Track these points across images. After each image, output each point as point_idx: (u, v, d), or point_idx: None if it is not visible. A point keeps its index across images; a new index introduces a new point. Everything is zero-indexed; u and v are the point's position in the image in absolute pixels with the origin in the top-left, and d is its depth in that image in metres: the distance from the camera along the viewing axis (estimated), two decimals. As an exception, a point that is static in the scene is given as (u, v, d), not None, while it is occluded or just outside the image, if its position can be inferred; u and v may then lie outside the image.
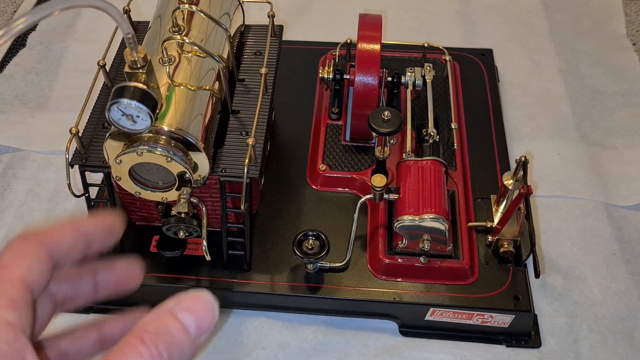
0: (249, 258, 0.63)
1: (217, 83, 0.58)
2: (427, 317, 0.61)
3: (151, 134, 0.51)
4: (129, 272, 0.35)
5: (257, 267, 0.63)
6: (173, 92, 0.53)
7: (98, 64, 0.60)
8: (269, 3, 0.66)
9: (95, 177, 0.65)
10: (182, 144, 0.51)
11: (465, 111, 0.76)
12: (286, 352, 0.61)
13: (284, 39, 0.68)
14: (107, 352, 0.27)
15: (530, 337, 0.62)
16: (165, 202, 0.56)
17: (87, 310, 0.63)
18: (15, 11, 0.98)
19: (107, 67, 0.62)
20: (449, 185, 0.65)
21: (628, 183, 0.75)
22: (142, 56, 0.46)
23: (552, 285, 0.66)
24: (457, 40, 0.92)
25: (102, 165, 0.56)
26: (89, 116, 0.60)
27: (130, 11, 0.64)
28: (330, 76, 0.72)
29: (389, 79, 0.71)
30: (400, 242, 0.60)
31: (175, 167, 0.51)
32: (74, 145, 0.56)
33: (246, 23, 0.67)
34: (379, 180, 0.59)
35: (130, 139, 0.51)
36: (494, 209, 0.65)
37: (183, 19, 0.58)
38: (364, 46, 0.68)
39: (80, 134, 0.56)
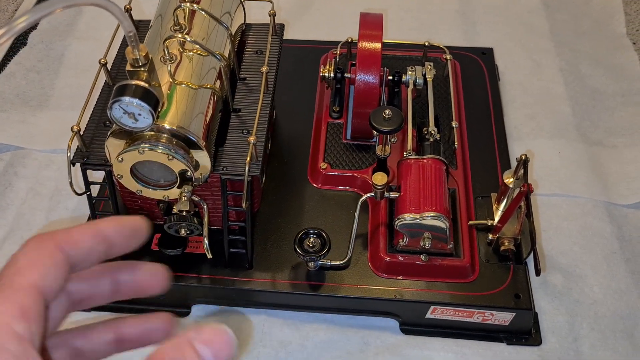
0: (250, 256, 0.63)
1: (218, 81, 0.58)
2: (428, 315, 0.61)
3: (153, 132, 0.51)
4: (152, 278, 0.33)
5: (259, 265, 0.63)
6: (174, 91, 0.53)
7: (99, 62, 0.60)
8: (270, 2, 0.66)
9: (97, 176, 0.66)
10: (183, 142, 0.52)
11: (465, 110, 0.76)
12: (287, 350, 0.62)
13: (285, 37, 0.68)
14: None
15: (530, 335, 0.62)
16: (166, 200, 0.56)
17: (100, 308, 0.63)
18: (16, 10, 0.98)
19: (109, 66, 0.62)
20: (450, 184, 0.65)
21: (628, 182, 0.75)
22: (143, 54, 0.46)
23: (553, 283, 0.66)
24: (457, 40, 0.92)
25: (103, 164, 0.56)
26: (91, 114, 0.60)
27: (131, 10, 0.64)
28: (331, 75, 0.72)
29: (390, 77, 0.71)
30: (401, 240, 0.61)
31: (177, 165, 0.52)
32: (75, 143, 0.56)
33: (247, 22, 0.68)
34: (379, 178, 0.59)
35: (131, 137, 0.51)
36: (494, 208, 0.65)
37: (184, 17, 0.58)
38: (365, 45, 0.68)
39: (81, 132, 0.56)
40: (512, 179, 0.61)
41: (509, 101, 0.83)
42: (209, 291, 0.63)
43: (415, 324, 0.63)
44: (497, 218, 0.64)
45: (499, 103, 0.78)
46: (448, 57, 0.77)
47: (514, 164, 0.72)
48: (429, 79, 0.71)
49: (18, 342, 0.24)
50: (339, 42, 0.77)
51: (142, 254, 0.62)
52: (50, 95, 0.86)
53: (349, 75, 0.72)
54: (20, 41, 0.93)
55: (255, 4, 0.69)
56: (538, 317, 0.63)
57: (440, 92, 0.75)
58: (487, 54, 0.85)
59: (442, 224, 0.58)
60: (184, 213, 0.55)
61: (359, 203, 0.61)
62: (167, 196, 0.55)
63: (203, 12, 0.58)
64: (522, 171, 0.60)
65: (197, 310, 0.65)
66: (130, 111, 0.47)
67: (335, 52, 0.76)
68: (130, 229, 0.32)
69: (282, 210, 0.67)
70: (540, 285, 0.65)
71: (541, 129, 0.81)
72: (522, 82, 0.86)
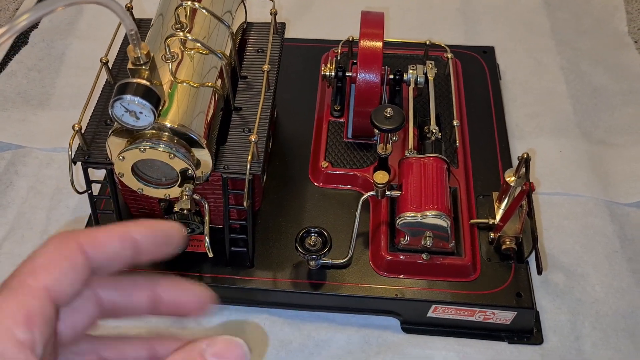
0: (252, 255, 0.63)
1: (219, 80, 0.58)
2: (430, 314, 0.61)
3: (154, 131, 0.51)
4: (196, 300, 0.31)
5: (260, 264, 0.63)
6: (176, 89, 0.53)
7: (101, 60, 0.60)
8: (271, 0, 0.66)
9: (98, 174, 0.65)
10: (184, 141, 0.52)
11: (467, 109, 0.76)
12: (288, 349, 0.61)
13: (286, 36, 0.68)
14: None
15: (532, 334, 0.62)
16: (167, 198, 0.56)
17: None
18: (17, 9, 0.98)
19: (110, 64, 0.62)
20: (451, 183, 0.65)
21: (630, 181, 0.75)
22: (145, 53, 0.46)
23: (554, 282, 0.66)
24: (458, 39, 0.92)
25: (104, 162, 0.56)
26: (92, 113, 0.60)
27: (132, 8, 0.64)
28: (333, 73, 0.72)
29: (391, 76, 0.71)
30: (402, 239, 0.61)
31: (178, 164, 0.52)
32: (76, 142, 0.56)
33: (248, 20, 0.67)
34: (381, 177, 0.59)
35: (133, 136, 0.51)
36: (495, 206, 0.65)
37: (185, 16, 0.58)
38: (366, 43, 0.68)
39: (83, 131, 0.56)
40: (513, 178, 0.61)
41: (510, 100, 0.83)
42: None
43: (417, 323, 0.63)
44: (498, 217, 0.64)
45: (500, 102, 0.78)
46: (449, 55, 0.77)
47: (515, 162, 0.72)
48: (430, 78, 0.71)
49: (18, 349, 0.23)
50: (340, 40, 0.77)
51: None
52: (51, 94, 0.86)
53: (350, 74, 0.72)
54: (21, 40, 0.93)
55: (257, 2, 0.69)
56: (540, 316, 0.63)
57: (442, 91, 0.75)
58: (488, 52, 0.85)
59: (443, 222, 0.58)
60: (185, 212, 0.55)
61: (360, 202, 0.61)
62: (169, 195, 0.55)
63: (204, 11, 0.58)
64: (523, 170, 0.60)
65: (198, 309, 0.64)
66: (132, 109, 0.47)
67: (336, 51, 0.76)
68: (162, 235, 0.30)
69: (283, 209, 0.67)
70: (542, 284, 0.65)
71: (542, 128, 0.80)
72: (523, 81, 0.86)
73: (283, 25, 0.68)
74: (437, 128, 0.66)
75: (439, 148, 0.66)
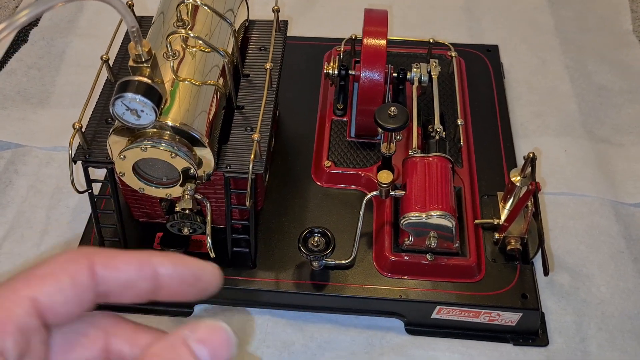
0: (254, 255, 0.62)
1: (221, 78, 0.57)
2: (434, 315, 0.61)
3: (155, 129, 0.50)
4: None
5: (262, 265, 0.62)
6: (177, 87, 0.53)
7: (101, 58, 0.59)
8: (274, -2, 0.65)
9: (99, 173, 0.65)
10: (186, 140, 0.51)
11: (471, 107, 0.76)
12: (291, 351, 0.61)
13: (288, 34, 0.67)
14: None
15: (537, 335, 0.61)
16: (169, 198, 0.55)
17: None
18: (16, 6, 0.98)
19: (110, 62, 0.62)
20: (455, 182, 0.65)
21: (635, 180, 0.74)
22: (146, 50, 0.46)
23: (560, 283, 0.65)
24: (462, 37, 0.91)
25: (105, 161, 0.55)
26: (92, 111, 0.59)
27: (134, 5, 0.63)
28: (335, 72, 0.71)
29: (395, 75, 0.71)
30: (406, 240, 0.60)
31: (180, 163, 0.51)
32: (77, 140, 0.55)
33: (250, 18, 0.67)
34: (385, 176, 0.58)
35: (134, 135, 0.50)
36: (500, 206, 0.65)
37: (187, 13, 0.58)
38: (370, 42, 0.67)
39: (83, 130, 0.56)
40: (519, 177, 0.61)
41: (514, 98, 0.83)
42: (211, 290, 0.63)
43: (421, 324, 0.62)
44: (503, 217, 0.63)
45: (505, 100, 0.78)
46: (453, 54, 0.76)
47: (520, 162, 0.71)
48: (434, 76, 0.70)
49: None
50: (343, 39, 0.76)
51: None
52: (51, 93, 0.85)
53: (353, 73, 0.71)
54: (21, 38, 0.92)
55: (259, 0, 0.68)
56: (545, 317, 0.63)
57: (446, 90, 0.75)
58: (492, 51, 0.84)
59: (448, 222, 0.58)
60: (187, 211, 0.54)
61: (364, 202, 0.60)
62: (170, 194, 0.54)
63: (206, 8, 0.57)
64: (529, 169, 0.60)
65: (199, 309, 0.64)
66: (133, 108, 0.47)
67: (339, 49, 0.76)
68: (191, 275, 0.27)
69: (285, 209, 0.67)
70: (547, 285, 0.65)
71: (547, 127, 0.80)
72: (527, 80, 0.86)
73: (285, 23, 0.67)
74: (441, 127, 0.66)
75: (443, 147, 0.65)
